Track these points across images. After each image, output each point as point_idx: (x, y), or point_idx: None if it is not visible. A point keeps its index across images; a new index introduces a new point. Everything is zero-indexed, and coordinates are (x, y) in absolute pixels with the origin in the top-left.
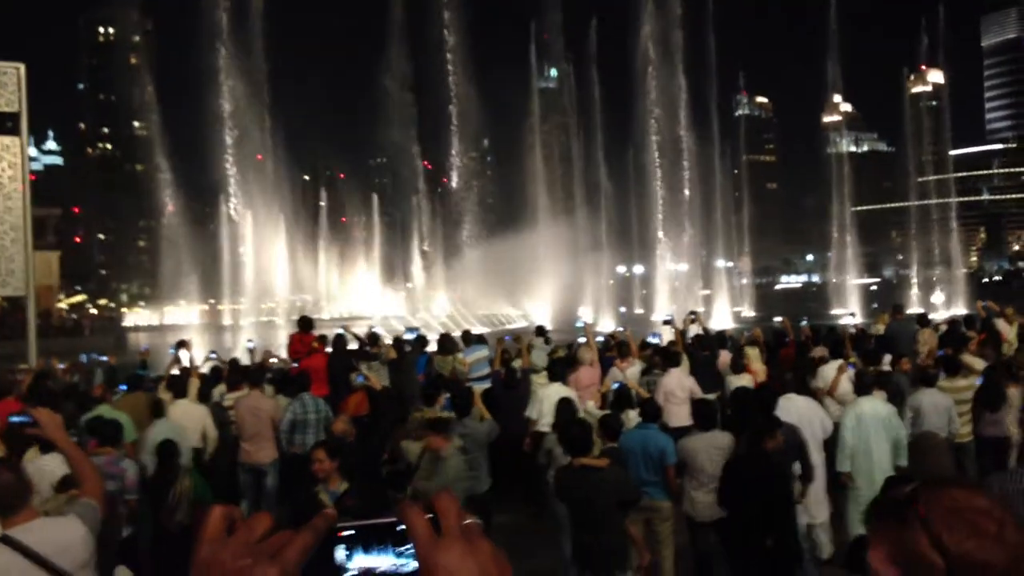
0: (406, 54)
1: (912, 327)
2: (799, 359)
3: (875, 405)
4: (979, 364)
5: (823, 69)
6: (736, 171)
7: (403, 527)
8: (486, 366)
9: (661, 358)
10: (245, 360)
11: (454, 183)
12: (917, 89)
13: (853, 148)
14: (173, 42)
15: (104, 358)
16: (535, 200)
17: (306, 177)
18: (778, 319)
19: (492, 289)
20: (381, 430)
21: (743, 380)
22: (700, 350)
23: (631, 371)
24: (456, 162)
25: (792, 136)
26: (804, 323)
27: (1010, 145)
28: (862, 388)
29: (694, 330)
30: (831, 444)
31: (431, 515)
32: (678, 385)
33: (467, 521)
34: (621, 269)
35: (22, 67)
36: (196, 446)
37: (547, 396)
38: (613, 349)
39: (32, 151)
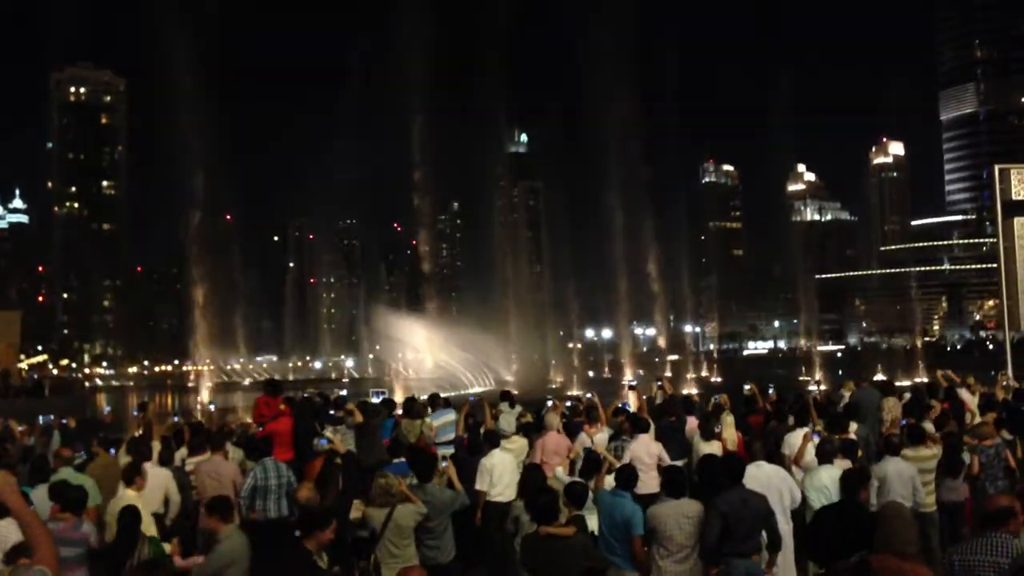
0: (377, 118)
1: (876, 395)
2: (765, 426)
3: (833, 474)
4: (929, 430)
5: (787, 139)
6: (703, 237)
7: None
8: (453, 430)
9: (629, 424)
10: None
11: (423, 246)
12: (879, 160)
13: (817, 216)
14: (142, 104)
15: (64, 420)
16: (504, 266)
17: (275, 238)
18: (747, 386)
19: (461, 352)
20: (347, 495)
21: (712, 447)
22: (666, 416)
23: (599, 437)
24: (425, 225)
25: (758, 204)
26: (771, 390)
27: (970, 216)
28: (823, 456)
29: (662, 396)
30: (799, 513)
31: None
32: (645, 451)
33: None
34: (589, 333)
35: None
36: (157, 511)
37: (494, 465)
38: (582, 414)
39: None
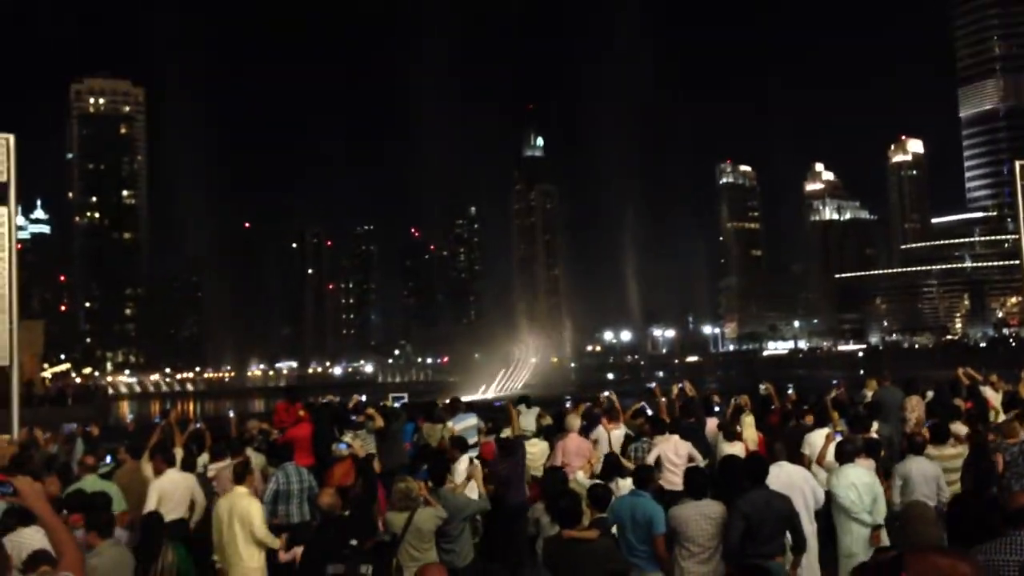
0: (395, 123)
1: (898, 394)
2: (783, 426)
3: (858, 472)
4: (962, 431)
5: (805, 138)
6: (721, 238)
7: None
8: (474, 435)
9: (649, 425)
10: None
11: (442, 251)
12: (898, 158)
13: (836, 216)
14: (161, 113)
15: (87, 428)
16: (521, 269)
17: (294, 244)
18: (763, 386)
19: (481, 356)
20: (369, 500)
21: (735, 448)
22: (685, 417)
23: (616, 433)
24: (443, 230)
25: (776, 204)
26: (790, 390)
27: (991, 213)
28: (843, 456)
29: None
30: (822, 514)
31: None
32: (673, 451)
33: None
34: (608, 336)
35: (11, 137)
36: (183, 516)
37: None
38: (600, 407)
39: (20, 220)
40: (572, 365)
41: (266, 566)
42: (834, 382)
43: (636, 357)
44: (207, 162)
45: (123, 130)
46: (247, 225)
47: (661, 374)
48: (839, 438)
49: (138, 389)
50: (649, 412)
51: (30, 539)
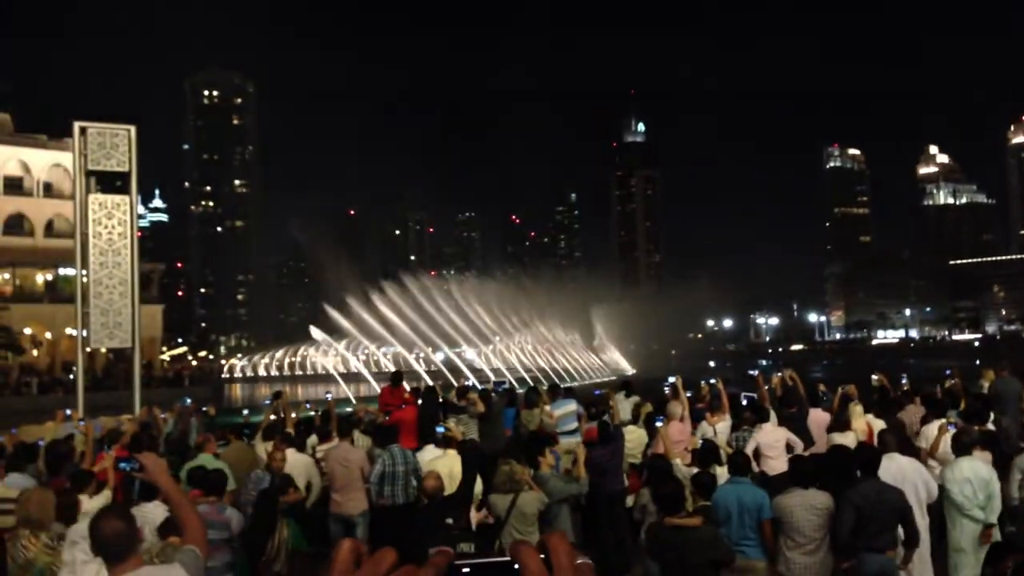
0: (496, 109)
1: (1017, 385)
2: (895, 417)
3: (975, 466)
4: None
5: (918, 120)
6: (827, 224)
7: (517, 566)
8: (574, 420)
9: (751, 413)
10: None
11: (542, 238)
12: (1018, 139)
13: (951, 200)
14: (272, 104)
15: (204, 408)
16: (624, 256)
17: (397, 232)
18: (875, 376)
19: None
20: (469, 483)
21: (847, 438)
22: (786, 407)
23: (721, 426)
24: (543, 216)
25: (886, 188)
26: (904, 379)
27: None
28: (960, 448)
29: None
30: (935, 508)
31: (544, 555)
32: (772, 439)
33: (579, 561)
34: (710, 323)
35: (132, 129)
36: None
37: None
38: (704, 401)
39: (139, 208)
40: (672, 352)
41: None
42: (947, 372)
43: (738, 344)
44: (313, 151)
45: (235, 121)
46: (351, 212)
47: (764, 362)
48: (953, 430)
49: (250, 372)
50: (755, 397)
51: (152, 513)
